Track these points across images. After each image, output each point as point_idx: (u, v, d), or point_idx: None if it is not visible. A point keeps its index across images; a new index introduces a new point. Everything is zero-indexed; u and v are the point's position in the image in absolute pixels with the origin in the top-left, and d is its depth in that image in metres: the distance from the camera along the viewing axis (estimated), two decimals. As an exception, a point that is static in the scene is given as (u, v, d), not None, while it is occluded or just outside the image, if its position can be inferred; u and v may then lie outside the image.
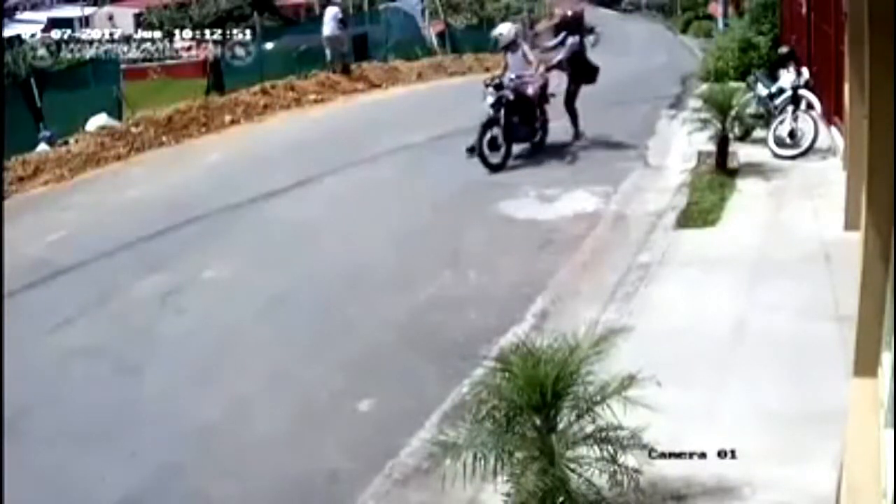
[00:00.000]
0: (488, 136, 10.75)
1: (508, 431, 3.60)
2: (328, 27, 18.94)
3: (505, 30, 11.82)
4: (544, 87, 11.45)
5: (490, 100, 10.90)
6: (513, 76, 11.20)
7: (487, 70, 23.34)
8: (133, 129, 14.66)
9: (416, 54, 23.95)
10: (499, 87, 11.01)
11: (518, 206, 9.35)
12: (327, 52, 19.16)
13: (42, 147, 13.99)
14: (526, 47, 11.68)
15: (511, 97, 10.96)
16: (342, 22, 19.08)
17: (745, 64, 15.36)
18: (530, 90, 11.15)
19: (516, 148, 11.15)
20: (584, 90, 11.65)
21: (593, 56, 12.34)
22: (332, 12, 19.16)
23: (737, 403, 4.85)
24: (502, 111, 10.84)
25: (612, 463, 3.55)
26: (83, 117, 14.89)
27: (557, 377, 3.55)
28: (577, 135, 11.77)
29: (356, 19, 25.70)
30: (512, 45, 11.53)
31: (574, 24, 12.01)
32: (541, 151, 11.41)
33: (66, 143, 13.99)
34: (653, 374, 3.71)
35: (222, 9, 28.48)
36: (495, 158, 10.81)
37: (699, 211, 8.56)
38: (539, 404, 3.55)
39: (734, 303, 6.26)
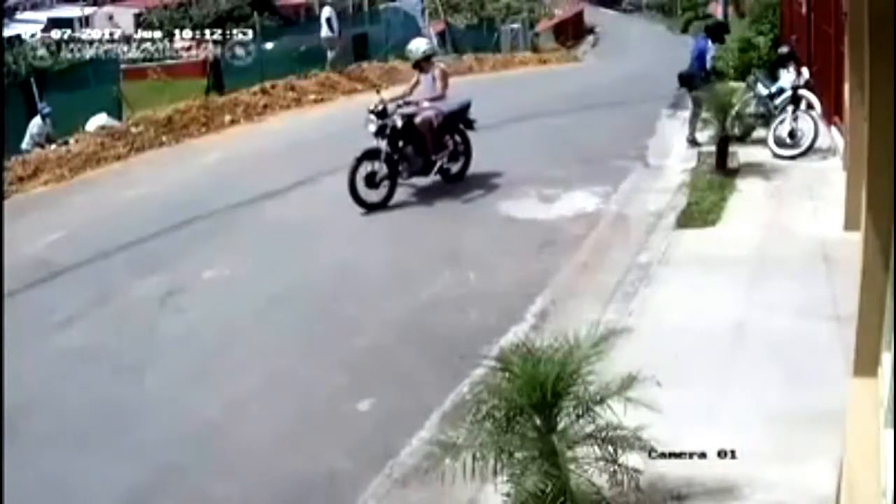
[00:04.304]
0: (366, 170, 9.37)
1: (508, 431, 3.60)
2: (323, 28, 19.10)
3: (415, 46, 10.35)
4: (461, 111, 10.06)
5: (372, 128, 9.52)
6: (401, 101, 9.89)
7: (492, 69, 23.52)
8: (133, 129, 14.66)
9: (416, 54, 23.90)
10: (382, 114, 9.54)
11: (518, 206, 9.35)
12: (328, 53, 19.22)
13: (37, 120, 14.07)
14: (437, 71, 10.11)
15: (399, 125, 9.55)
16: (330, 23, 19.10)
17: (745, 64, 15.34)
18: (419, 118, 9.67)
19: (426, 180, 10.00)
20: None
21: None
22: (324, 14, 19.29)
23: (736, 403, 4.85)
24: (386, 141, 9.42)
25: (613, 463, 3.55)
26: (83, 117, 14.90)
27: (557, 377, 3.55)
28: None
29: (356, 19, 25.70)
30: (424, 64, 10.11)
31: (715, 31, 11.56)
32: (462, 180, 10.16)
33: (66, 143, 13.99)
34: (653, 373, 3.72)
35: (222, 9, 28.45)
36: (373, 196, 9.41)
37: (699, 211, 8.56)
38: (539, 404, 3.55)
39: (734, 303, 6.27)
